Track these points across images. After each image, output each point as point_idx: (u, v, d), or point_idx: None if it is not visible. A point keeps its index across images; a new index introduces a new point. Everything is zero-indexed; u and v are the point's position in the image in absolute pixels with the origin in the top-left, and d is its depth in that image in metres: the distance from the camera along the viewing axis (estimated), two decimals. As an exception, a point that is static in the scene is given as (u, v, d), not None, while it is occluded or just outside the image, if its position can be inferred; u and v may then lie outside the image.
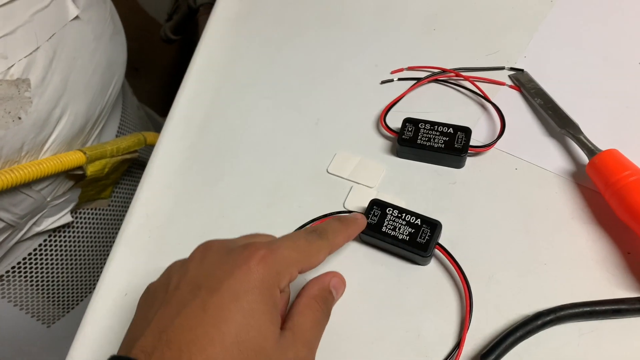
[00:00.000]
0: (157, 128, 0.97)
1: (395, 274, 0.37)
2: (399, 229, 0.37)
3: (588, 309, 0.33)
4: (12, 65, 0.48)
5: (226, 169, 0.44)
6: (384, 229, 0.37)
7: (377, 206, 0.38)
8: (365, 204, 0.38)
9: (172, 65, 1.30)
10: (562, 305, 0.33)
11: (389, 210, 0.37)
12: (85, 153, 0.59)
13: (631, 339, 0.33)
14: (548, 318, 0.33)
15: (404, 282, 0.37)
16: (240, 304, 0.26)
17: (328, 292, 0.32)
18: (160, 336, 0.25)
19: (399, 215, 0.37)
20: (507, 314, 0.34)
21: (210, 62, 0.51)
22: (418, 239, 0.36)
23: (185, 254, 0.39)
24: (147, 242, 0.40)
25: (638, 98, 0.43)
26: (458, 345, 0.34)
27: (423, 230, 0.36)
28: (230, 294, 0.26)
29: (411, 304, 0.36)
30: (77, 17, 0.57)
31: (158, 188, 0.43)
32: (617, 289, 0.35)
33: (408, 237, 0.36)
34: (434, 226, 0.36)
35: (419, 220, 0.37)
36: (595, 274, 0.35)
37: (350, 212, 0.40)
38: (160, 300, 0.27)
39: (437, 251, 0.37)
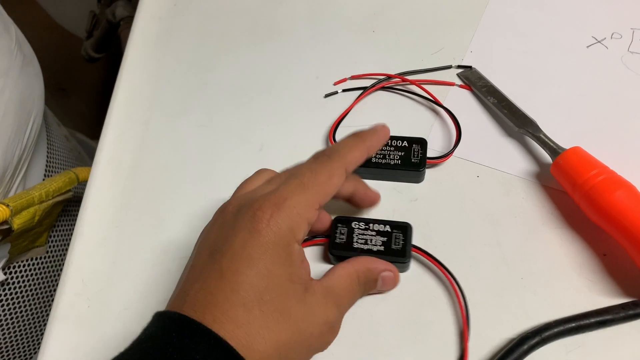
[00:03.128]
0: (92, 155, 0.90)
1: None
2: (371, 240, 0.34)
3: (574, 324, 0.31)
4: None
5: (165, 213, 0.39)
6: (355, 245, 0.34)
7: (341, 223, 0.35)
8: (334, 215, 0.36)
9: (102, 83, 1.22)
10: (546, 325, 0.31)
11: (355, 224, 0.35)
12: (8, 205, 0.53)
13: (617, 349, 0.31)
14: (534, 341, 0.31)
15: (390, 292, 0.34)
16: (256, 268, 0.26)
17: (374, 278, 0.32)
18: (185, 298, 0.26)
19: (367, 226, 0.35)
20: (491, 340, 0.32)
21: (133, 93, 0.46)
22: (393, 246, 0.34)
23: (133, 318, 0.35)
24: (86, 313, 0.36)
25: (591, 84, 0.41)
26: (462, 358, 0.32)
27: (395, 235, 0.34)
28: (244, 259, 0.26)
29: (402, 313, 0.34)
30: (-25, 56, 0.50)
31: (92, 247, 0.38)
32: (598, 296, 0.33)
33: (382, 246, 0.34)
34: (405, 229, 0.35)
35: (388, 226, 0.35)
36: (574, 281, 0.33)
37: (318, 237, 0.37)
38: (188, 265, 0.28)
39: (415, 254, 0.35)
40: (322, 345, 0.29)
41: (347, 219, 0.35)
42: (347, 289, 0.30)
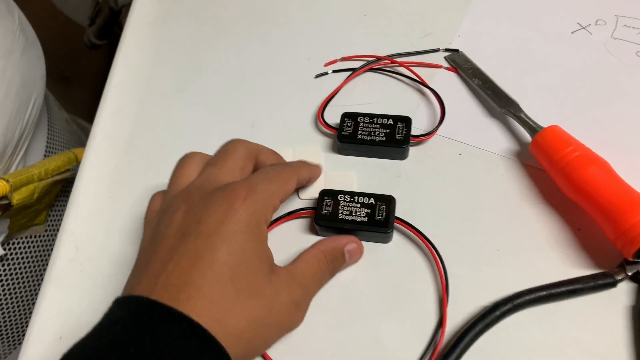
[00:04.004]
0: (93, 140, 0.91)
1: (361, 258, 0.36)
2: (355, 212, 0.36)
3: (545, 292, 0.32)
4: None
5: (158, 187, 0.41)
6: (340, 216, 0.36)
7: (328, 195, 0.37)
8: (319, 188, 0.37)
9: (104, 72, 1.23)
10: (519, 293, 0.33)
11: (340, 196, 0.37)
12: (8, 181, 0.54)
13: (587, 317, 0.32)
14: (506, 307, 0.32)
15: (373, 262, 0.36)
16: (231, 245, 0.27)
17: (340, 252, 0.33)
18: (156, 280, 0.26)
19: (352, 199, 0.36)
20: (466, 307, 0.33)
21: (131, 71, 0.47)
22: (377, 217, 0.35)
23: (121, 285, 0.36)
24: (79, 278, 0.37)
25: (574, 69, 0.42)
26: (440, 324, 0.33)
27: (379, 207, 0.36)
28: (221, 237, 0.27)
29: (384, 282, 0.35)
30: (-22, 35, 0.52)
31: (86, 216, 0.40)
32: (572, 268, 0.34)
33: (366, 217, 0.36)
34: (389, 201, 0.36)
35: (372, 199, 0.36)
36: (549, 255, 0.35)
37: (307, 204, 0.39)
38: (151, 251, 0.28)
39: (398, 225, 0.36)
40: (291, 324, 0.30)
41: (333, 192, 0.37)
42: (313, 271, 0.32)
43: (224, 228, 0.27)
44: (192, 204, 0.29)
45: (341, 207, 0.36)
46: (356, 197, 0.36)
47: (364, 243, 0.36)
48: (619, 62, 0.42)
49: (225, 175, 0.31)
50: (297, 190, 0.39)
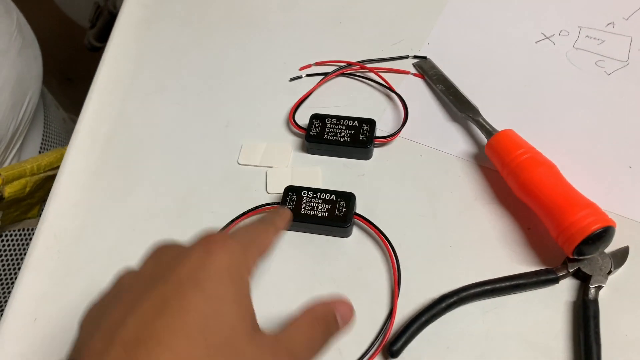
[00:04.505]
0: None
1: (321, 251, 0.38)
2: (317, 207, 0.38)
3: (489, 287, 0.34)
4: None
5: (135, 181, 0.43)
6: (302, 210, 0.38)
7: (292, 191, 0.39)
8: (287, 183, 0.40)
9: (105, 73, 1.26)
10: (465, 286, 0.34)
11: (304, 192, 0.39)
12: (0, 174, 0.57)
13: (530, 312, 0.34)
14: (452, 300, 0.34)
15: (331, 255, 0.38)
16: (204, 291, 0.22)
17: (332, 316, 0.27)
18: (112, 337, 0.21)
19: (315, 195, 0.38)
20: (416, 299, 0.35)
21: (115, 71, 0.50)
22: (336, 213, 0.38)
23: (95, 272, 0.38)
24: (55, 264, 0.39)
25: (536, 76, 0.44)
26: (390, 314, 0.35)
27: (339, 203, 0.38)
28: (192, 282, 0.22)
29: (340, 274, 0.37)
30: (-25, 35, 0.54)
31: (66, 207, 0.42)
32: (519, 265, 0.36)
33: (327, 212, 0.38)
34: (349, 197, 0.38)
35: (333, 195, 0.38)
36: (498, 252, 0.36)
37: (274, 198, 0.41)
38: (111, 306, 0.23)
39: (358, 221, 0.38)
40: None
41: (298, 188, 0.39)
42: (306, 339, 0.26)
43: (199, 274, 0.23)
44: (163, 253, 0.25)
45: (304, 203, 0.38)
46: (319, 194, 0.38)
47: (324, 237, 0.38)
48: (578, 71, 0.44)
49: None
50: (266, 184, 0.41)
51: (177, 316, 0.21)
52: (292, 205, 0.38)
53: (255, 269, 0.26)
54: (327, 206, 0.38)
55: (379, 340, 0.34)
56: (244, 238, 0.26)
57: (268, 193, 0.41)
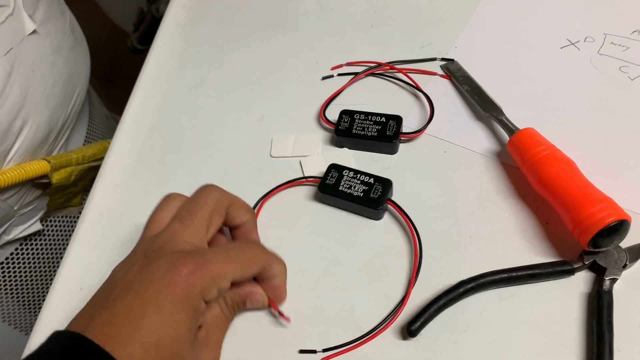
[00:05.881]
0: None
1: (352, 226, 0.41)
2: (354, 187, 0.40)
3: (506, 275, 0.36)
4: (-31, 79, 0.50)
5: (175, 168, 0.46)
6: (340, 187, 0.40)
7: (335, 169, 0.41)
8: (322, 169, 0.42)
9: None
10: (482, 274, 0.36)
11: (345, 172, 0.41)
12: (49, 162, 0.61)
13: (545, 301, 0.35)
14: (469, 286, 0.35)
15: (360, 234, 0.40)
16: (162, 315, 0.29)
17: (242, 302, 0.35)
18: (90, 323, 0.28)
19: (355, 175, 0.41)
20: (435, 285, 0.37)
21: (161, 67, 0.54)
22: (371, 195, 0.40)
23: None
24: (100, 239, 0.43)
25: (559, 80, 0.46)
26: (405, 295, 0.36)
27: (376, 187, 0.40)
28: (155, 304, 0.29)
29: (365, 254, 0.39)
30: (34, 32, 0.59)
31: (111, 188, 0.46)
32: (536, 256, 0.37)
33: (362, 193, 0.40)
34: (386, 183, 0.40)
35: (372, 179, 0.40)
36: (517, 244, 0.38)
37: (313, 177, 0.43)
38: (102, 294, 0.31)
39: (390, 207, 0.40)
40: None
41: (341, 167, 0.41)
42: (221, 324, 0.34)
43: (161, 298, 0.29)
44: (147, 261, 0.31)
45: (343, 181, 0.41)
46: (359, 175, 0.41)
47: (357, 217, 0.41)
48: (602, 75, 0.45)
49: (190, 234, 0.32)
50: (302, 172, 0.44)
51: (138, 330, 0.28)
52: (332, 181, 0.41)
53: (214, 296, 0.31)
54: (364, 187, 0.40)
55: (389, 320, 0.36)
56: (217, 268, 0.31)
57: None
